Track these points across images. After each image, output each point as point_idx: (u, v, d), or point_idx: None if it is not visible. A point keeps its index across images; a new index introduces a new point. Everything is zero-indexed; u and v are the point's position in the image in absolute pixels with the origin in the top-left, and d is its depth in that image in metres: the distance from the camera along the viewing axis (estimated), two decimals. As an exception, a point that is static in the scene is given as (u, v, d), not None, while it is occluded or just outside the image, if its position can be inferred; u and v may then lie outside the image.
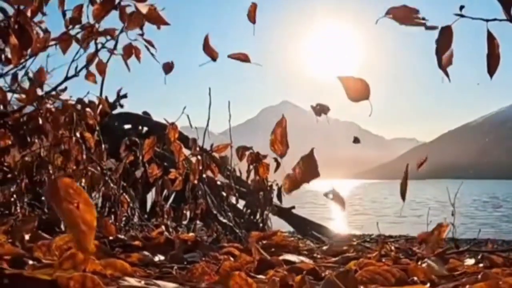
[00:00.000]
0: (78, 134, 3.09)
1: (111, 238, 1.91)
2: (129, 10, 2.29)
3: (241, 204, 4.60)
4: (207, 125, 3.19)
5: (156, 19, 1.89)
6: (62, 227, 2.06)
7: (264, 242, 1.83)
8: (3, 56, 1.73)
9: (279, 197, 3.85)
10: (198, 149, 3.50)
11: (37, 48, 1.64)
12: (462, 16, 1.11)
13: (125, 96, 7.42)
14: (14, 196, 3.17)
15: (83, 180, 3.31)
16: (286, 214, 6.46)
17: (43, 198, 2.99)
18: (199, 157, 3.42)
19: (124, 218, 3.28)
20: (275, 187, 3.74)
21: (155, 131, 7.75)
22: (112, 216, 3.26)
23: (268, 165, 3.20)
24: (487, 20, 1.10)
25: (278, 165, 3.33)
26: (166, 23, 1.92)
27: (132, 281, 0.76)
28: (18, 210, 3.12)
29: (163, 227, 2.38)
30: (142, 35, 2.44)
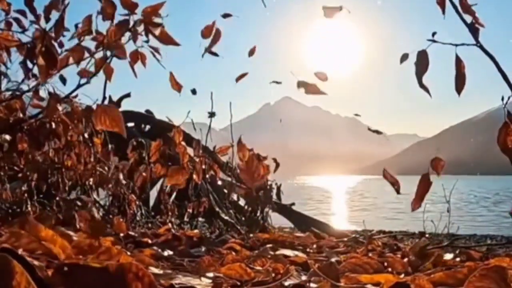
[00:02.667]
0: (86, 135, 3.24)
1: (122, 235, 2.07)
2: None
3: (242, 201, 4.75)
4: (210, 127, 3.34)
5: (167, 40, 2.06)
6: (77, 225, 2.21)
7: (264, 238, 2.00)
8: (30, 74, 1.89)
9: (278, 195, 4.00)
10: (201, 149, 3.65)
11: (60, 66, 1.79)
12: (434, 41, 1.26)
13: (128, 95, 7.58)
14: (26, 195, 3.33)
15: (91, 180, 3.48)
16: (286, 210, 6.61)
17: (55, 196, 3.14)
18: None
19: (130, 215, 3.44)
20: (274, 186, 3.89)
21: (157, 129, 7.92)
22: (120, 214, 3.43)
23: (268, 166, 3.34)
24: (456, 45, 1.26)
25: (277, 165, 3.50)
26: (175, 44, 2.08)
27: (155, 270, 0.92)
28: (29, 208, 3.28)
29: (169, 224, 2.54)
30: (147, 41, 2.59)
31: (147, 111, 8.30)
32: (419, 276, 1.00)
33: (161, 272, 0.90)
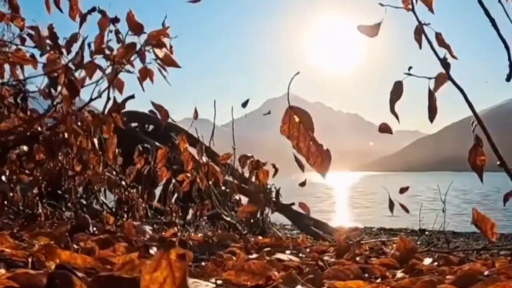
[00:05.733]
0: (95, 140, 3.42)
1: (131, 238, 2.24)
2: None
3: (243, 200, 4.93)
4: (212, 134, 3.51)
5: (170, 63, 2.24)
6: (91, 229, 2.40)
7: (262, 242, 2.18)
8: (55, 102, 2.08)
9: (277, 198, 4.18)
10: (204, 152, 3.83)
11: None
12: (410, 74, 1.44)
13: (132, 97, 7.72)
14: (37, 198, 3.52)
15: (99, 184, 3.66)
16: (286, 210, 6.80)
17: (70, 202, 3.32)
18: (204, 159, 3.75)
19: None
20: (273, 190, 4.08)
21: (160, 129, 8.10)
22: (126, 216, 3.61)
23: (268, 171, 3.52)
24: (429, 78, 1.43)
25: (276, 170, 3.68)
26: (178, 66, 2.27)
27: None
28: (40, 211, 3.47)
29: (175, 228, 2.72)
30: (156, 59, 2.77)
31: (151, 111, 8.48)
32: (388, 281, 1.18)
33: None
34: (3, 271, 1.00)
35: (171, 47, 2.34)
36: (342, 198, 25.78)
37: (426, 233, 8.89)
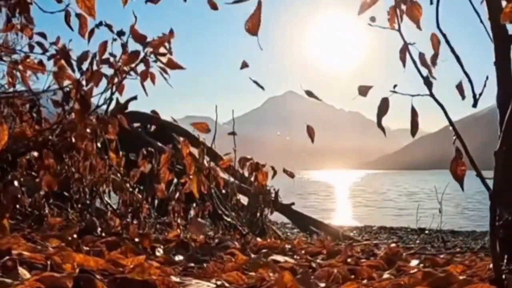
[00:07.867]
0: (99, 145, 3.54)
1: (137, 240, 2.37)
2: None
3: (244, 199, 5.05)
4: (214, 137, 3.64)
5: (174, 66, 2.37)
6: (98, 231, 2.52)
7: (260, 244, 2.31)
8: (67, 115, 2.21)
9: (276, 199, 4.31)
10: (205, 154, 3.94)
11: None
12: (395, 92, 1.56)
13: (135, 98, 7.86)
14: (44, 199, 3.65)
15: (104, 186, 3.78)
16: (287, 210, 6.93)
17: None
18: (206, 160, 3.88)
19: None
20: (273, 191, 4.20)
21: (162, 129, 8.21)
22: (131, 217, 3.73)
23: (267, 173, 3.63)
24: (412, 95, 1.55)
25: (275, 172, 3.80)
26: (182, 68, 2.40)
27: (175, 279, 1.22)
28: (47, 211, 3.59)
29: (178, 230, 2.84)
30: (155, 61, 2.88)
31: (153, 111, 8.60)
32: (372, 282, 1.30)
33: (178, 279, 1.20)
34: (27, 273, 1.13)
35: (170, 47, 2.46)
36: (343, 197, 25.90)
37: (426, 232, 9.02)
